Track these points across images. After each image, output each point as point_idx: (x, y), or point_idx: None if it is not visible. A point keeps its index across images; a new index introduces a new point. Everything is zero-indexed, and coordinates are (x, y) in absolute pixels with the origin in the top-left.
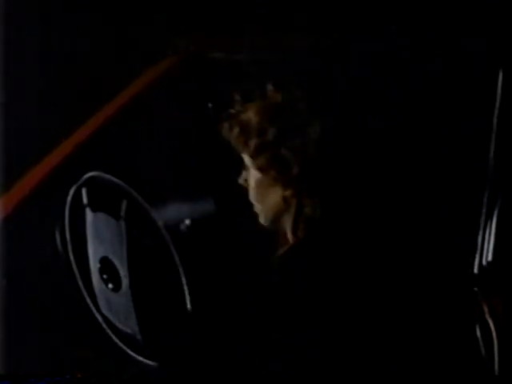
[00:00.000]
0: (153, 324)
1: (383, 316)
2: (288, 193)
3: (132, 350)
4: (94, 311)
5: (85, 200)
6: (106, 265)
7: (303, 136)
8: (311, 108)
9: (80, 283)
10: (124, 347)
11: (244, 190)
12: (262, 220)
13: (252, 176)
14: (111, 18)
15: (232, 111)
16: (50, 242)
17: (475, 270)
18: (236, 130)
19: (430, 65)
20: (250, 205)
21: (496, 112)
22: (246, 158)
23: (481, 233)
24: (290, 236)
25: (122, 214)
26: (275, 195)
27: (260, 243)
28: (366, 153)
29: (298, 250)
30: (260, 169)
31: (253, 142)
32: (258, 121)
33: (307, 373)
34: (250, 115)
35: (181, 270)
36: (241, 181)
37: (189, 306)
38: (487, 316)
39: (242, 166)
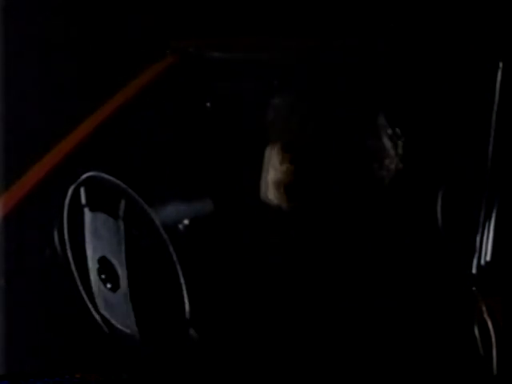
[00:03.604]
0: (151, 324)
1: (380, 315)
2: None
3: (131, 350)
4: (93, 311)
5: (83, 200)
6: (104, 264)
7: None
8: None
9: (78, 283)
10: (123, 347)
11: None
12: (264, 193)
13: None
14: (110, 17)
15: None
16: (49, 242)
17: (473, 270)
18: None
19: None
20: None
21: (495, 109)
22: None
23: (479, 232)
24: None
25: (121, 213)
26: (279, 168)
27: (259, 242)
28: None
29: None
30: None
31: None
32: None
33: (305, 372)
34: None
35: (179, 269)
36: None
37: (187, 305)
38: (485, 316)
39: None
